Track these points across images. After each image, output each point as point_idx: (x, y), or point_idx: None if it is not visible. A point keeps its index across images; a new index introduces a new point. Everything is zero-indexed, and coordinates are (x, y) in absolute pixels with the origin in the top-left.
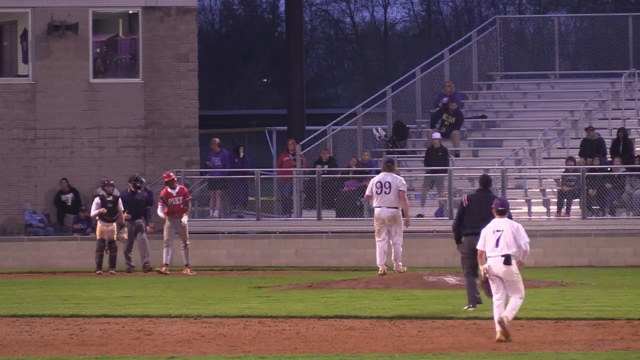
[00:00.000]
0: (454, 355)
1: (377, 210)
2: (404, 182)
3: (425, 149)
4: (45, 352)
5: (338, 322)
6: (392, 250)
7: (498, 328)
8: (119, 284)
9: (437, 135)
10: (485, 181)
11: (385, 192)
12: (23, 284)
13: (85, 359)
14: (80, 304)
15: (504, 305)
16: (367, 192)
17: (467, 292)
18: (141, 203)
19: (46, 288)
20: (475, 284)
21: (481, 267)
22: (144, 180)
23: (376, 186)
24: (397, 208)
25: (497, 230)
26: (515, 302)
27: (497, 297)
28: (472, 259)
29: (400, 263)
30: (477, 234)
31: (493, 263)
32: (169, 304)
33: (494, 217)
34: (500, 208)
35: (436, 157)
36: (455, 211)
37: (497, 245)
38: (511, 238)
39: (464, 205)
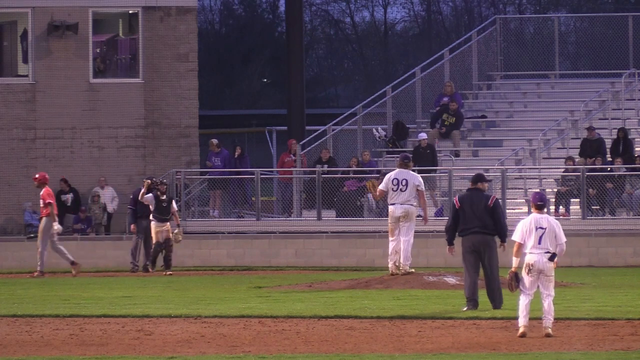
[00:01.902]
0: (454, 355)
1: (391, 208)
2: (420, 179)
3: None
4: (45, 352)
5: (338, 322)
6: (401, 247)
7: (522, 322)
8: (119, 284)
9: (423, 135)
10: (476, 179)
11: (401, 190)
12: (23, 284)
13: (85, 359)
14: (80, 304)
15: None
16: (382, 187)
17: (465, 292)
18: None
19: (46, 288)
20: (476, 284)
21: (515, 260)
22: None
23: (393, 183)
24: (411, 205)
25: (540, 228)
26: (549, 304)
27: (529, 292)
28: (472, 257)
29: (408, 262)
30: (474, 233)
31: (538, 259)
32: (169, 304)
33: (486, 216)
34: (539, 203)
35: (424, 157)
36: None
37: (540, 242)
38: (553, 236)
39: (457, 207)
